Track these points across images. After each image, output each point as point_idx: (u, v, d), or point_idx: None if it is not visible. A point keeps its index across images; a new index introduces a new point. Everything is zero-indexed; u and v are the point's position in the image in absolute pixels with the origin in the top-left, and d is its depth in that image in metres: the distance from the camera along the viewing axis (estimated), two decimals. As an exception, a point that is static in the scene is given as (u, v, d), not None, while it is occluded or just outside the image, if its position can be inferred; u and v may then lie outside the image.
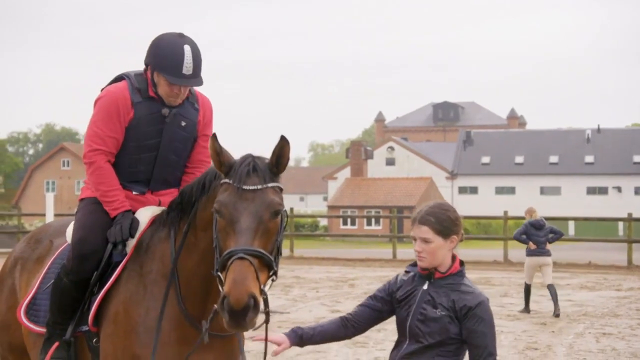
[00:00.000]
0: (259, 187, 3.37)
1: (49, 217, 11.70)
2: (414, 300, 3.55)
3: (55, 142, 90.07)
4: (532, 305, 13.52)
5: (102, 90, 4.12)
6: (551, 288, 12.98)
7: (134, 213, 3.96)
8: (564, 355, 9.37)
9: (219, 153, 3.43)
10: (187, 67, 3.85)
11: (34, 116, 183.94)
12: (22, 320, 4.12)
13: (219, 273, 3.28)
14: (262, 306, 3.23)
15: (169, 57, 3.84)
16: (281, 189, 3.50)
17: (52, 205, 11.72)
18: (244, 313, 3.13)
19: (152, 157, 4.00)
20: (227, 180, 3.41)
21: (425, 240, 3.54)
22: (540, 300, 14.47)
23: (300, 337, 3.61)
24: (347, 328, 3.65)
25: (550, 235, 13.59)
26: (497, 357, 3.52)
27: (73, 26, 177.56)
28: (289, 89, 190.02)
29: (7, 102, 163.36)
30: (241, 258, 3.20)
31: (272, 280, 3.38)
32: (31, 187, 71.07)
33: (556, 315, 12.55)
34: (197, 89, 4.11)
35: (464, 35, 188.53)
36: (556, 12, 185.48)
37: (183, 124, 4.01)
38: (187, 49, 3.86)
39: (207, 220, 3.53)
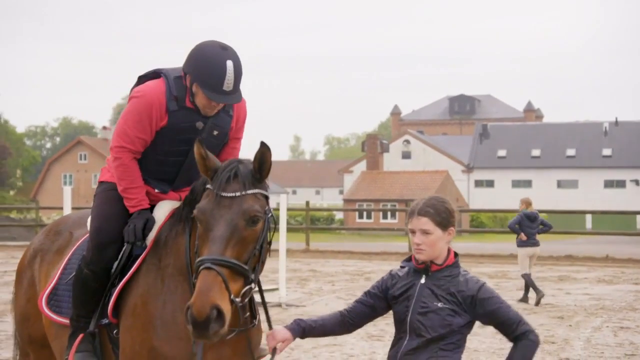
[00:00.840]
0: (238, 194, 3.33)
1: (67, 211, 11.75)
2: (413, 294, 3.54)
3: (72, 136, 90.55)
4: (549, 299, 13.49)
5: (138, 82, 4.04)
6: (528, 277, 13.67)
7: (152, 208, 3.97)
8: (582, 349, 9.32)
9: (204, 158, 3.42)
10: (228, 84, 3.75)
11: (51, 110, 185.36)
12: (44, 310, 4.13)
13: (195, 280, 3.25)
14: (228, 317, 3.17)
15: (211, 72, 3.73)
16: (265, 196, 3.46)
17: (70, 199, 11.76)
18: (206, 324, 3.10)
19: (180, 161, 3.99)
20: (209, 186, 3.40)
21: (426, 232, 3.53)
22: (557, 294, 14.42)
23: (303, 330, 3.61)
24: (345, 324, 3.66)
25: (540, 227, 14.08)
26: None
27: (91, 20, 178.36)
28: (305, 83, 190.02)
29: (25, 96, 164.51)
30: (208, 268, 3.17)
31: (251, 289, 3.35)
32: (49, 180, 71.51)
33: (540, 297, 12.99)
34: None
35: (480, 28, 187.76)
36: (574, 4, 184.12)
37: (215, 132, 3.95)
38: (229, 65, 3.74)
39: None
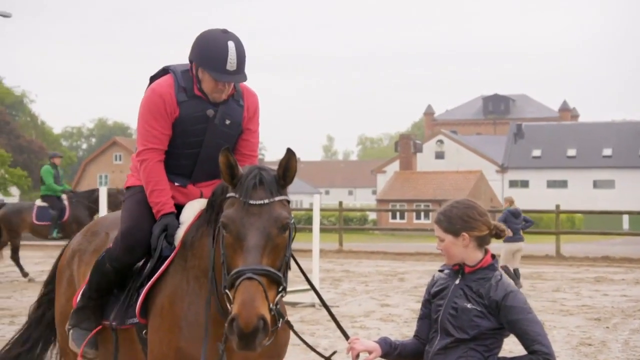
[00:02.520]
0: (266, 201, 3.30)
1: (102, 211, 11.88)
2: (447, 294, 3.59)
3: (107, 137, 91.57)
4: (585, 301, 13.31)
5: (150, 82, 4.13)
6: (517, 272, 14.85)
7: (178, 211, 3.98)
8: (619, 352, 9.18)
9: (233, 166, 3.38)
10: (232, 63, 3.84)
11: (87, 111, 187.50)
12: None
13: (227, 291, 3.24)
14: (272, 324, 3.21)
15: (213, 53, 3.83)
16: (289, 202, 3.45)
17: (105, 199, 11.88)
18: (254, 335, 3.07)
19: (195, 153, 4.02)
20: (233, 194, 3.36)
21: (439, 239, 3.63)
22: (594, 296, 14.23)
23: (390, 346, 3.64)
24: (421, 345, 3.68)
25: (523, 223, 15.15)
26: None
27: (125, 20, 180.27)
28: (338, 83, 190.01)
29: (62, 98, 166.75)
30: (250, 278, 3.14)
31: (282, 296, 3.34)
32: (84, 181, 72.39)
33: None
34: (243, 83, 4.08)
35: (514, 26, 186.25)
36: (605, 3, 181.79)
37: (227, 122, 4.01)
38: (230, 45, 3.84)
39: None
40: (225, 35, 3.88)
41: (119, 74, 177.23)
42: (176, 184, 4.07)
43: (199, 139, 3.98)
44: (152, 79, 4.14)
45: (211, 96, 3.95)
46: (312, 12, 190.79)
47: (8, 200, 57.19)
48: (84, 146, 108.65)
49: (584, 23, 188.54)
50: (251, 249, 3.20)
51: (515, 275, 14.59)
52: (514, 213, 14.95)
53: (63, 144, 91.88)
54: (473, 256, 3.59)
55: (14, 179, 50.82)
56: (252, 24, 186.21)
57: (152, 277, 3.84)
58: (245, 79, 3.93)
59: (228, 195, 3.40)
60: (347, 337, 3.69)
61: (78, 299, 4.19)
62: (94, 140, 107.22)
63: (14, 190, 56.47)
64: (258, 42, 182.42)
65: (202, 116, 3.95)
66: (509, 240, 14.39)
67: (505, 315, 3.46)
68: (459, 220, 3.58)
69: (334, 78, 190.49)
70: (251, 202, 3.29)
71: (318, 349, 3.59)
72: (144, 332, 3.83)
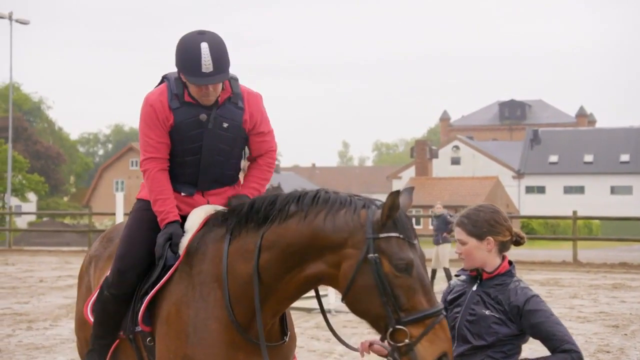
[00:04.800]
0: (416, 241, 3.43)
1: (119, 217, 11.94)
2: (464, 301, 3.58)
3: (124, 143, 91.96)
4: (603, 307, 13.21)
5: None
6: (447, 271, 15.97)
7: (183, 220, 3.95)
8: (638, 359, 9.10)
9: (395, 209, 3.35)
10: (206, 64, 3.71)
11: (103, 117, 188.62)
12: (88, 317, 4.21)
13: (401, 327, 3.27)
14: None
15: (188, 56, 3.73)
16: None
17: (122, 205, 11.95)
18: None
19: (197, 159, 3.97)
20: (396, 235, 3.35)
21: (461, 242, 3.60)
22: (612, 302, 14.12)
23: None
24: None
25: (450, 225, 15.94)
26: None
27: (142, 27, 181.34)
28: (353, 88, 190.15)
29: (79, 104, 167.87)
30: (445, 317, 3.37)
31: None
32: (101, 186, 72.75)
33: None
34: (243, 85, 4.02)
35: (531, 31, 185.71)
36: (625, 7, 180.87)
37: (225, 125, 3.92)
38: (204, 46, 3.72)
39: (295, 252, 3.49)
40: (199, 36, 3.77)
41: (136, 80, 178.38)
42: (182, 194, 4.03)
43: (198, 145, 3.92)
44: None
45: (200, 101, 3.88)
46: (327, 18, 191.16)
47: (25, 206, 57.65)
48: (101, 152, 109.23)
49: (601, 28, 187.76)
50: (429, 290, 3.33)
51: (447, 275, 15.72)
52: (437, 217, 16.43)
53: (80, 150, 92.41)
54: (493, 262, 3.58)
55: (31, 185, 51.17)
56: (268, 30, 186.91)
57: (155, 285, 3.82)
58: (225, 78, 3.81)
59: (390, 234, 3.35)
60: (344, 343, 3.69)
61: (90, 341, 4.17)
62: (110, 146, 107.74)
63: (31, 196, 56.86)
64: (274, 48, 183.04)
65: (196, 121, 3.90)
66: (436, 242, 16.27)
67: (528, 320, 3.45)
68: (485, 224, 3.58)
69: (350, 84, 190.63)
70: (414, 242, 3.39)
71: (333, 356, 3.58)
72: (147, 339, 3.82)
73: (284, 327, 3.79)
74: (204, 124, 3.89)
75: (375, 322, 3.35)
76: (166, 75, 4.04)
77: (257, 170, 4.12)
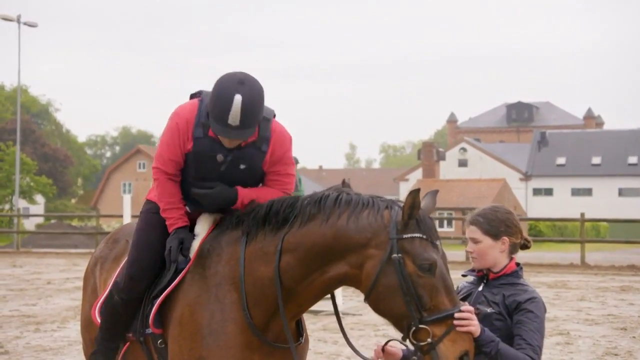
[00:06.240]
0: (439, 242, 3.45)
1: (126, 219, 11.97)
2: (470, 301, 3.60)
3: (131, 145, 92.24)
4: (611, 310, 13.17)
5: (189, 98, 4.03)
6: None
7: (192, 224, 3.95)
8: (646, 362, 9.08)
9: (416, 208, 3.38)
10: (234, 118, 3.57)
11: (111, 119, 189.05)
12: (95, 319, 4.21)
13: (424, 326, 3.31)
14: None
15: (218, 103, 3.59)
16: None
17: (129, 207, 11.97)
18: None
19: (208, 186, 3.89)
20: (420, 235, 3.38)
21: (475, 240, 3.61)
22: (620, 305, 14.08)
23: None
24: None
25: None
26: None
27: (150, 30, 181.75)
28: (360, 90, 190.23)
29: (86, 106, 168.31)
30: None
31: None
32: (108, 188, 72.97)
33: None
34: (276, 124, 3.87)
35: (537, 33, 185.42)
36: (633, 8, 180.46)
37: (242, 167, 3.83)
38: (237, 99, 3.56)
39: (318, 252, 3.50)
40: (237, 86, 3.59)
41: (143, 82, 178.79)
42: (188, 209, 4.01)
43: (211, 177, 3.86)
44: (191, 97, 4.04)
45: (222, 141, 3.77)
46: (333, 20, 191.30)
47: (33, 208, 57.84)
48: (108, 154, 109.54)
49: (609, 30, 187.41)
50: (452, 290, 3.37)
51: None
52: None
53: (87, 152, 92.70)
54: (502, 262, 3.63)
55: (39, 187, 51.35)
56: (276, 33, 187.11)
57: (167, 289, 3.82)
58: (248, 136, 3.66)
59: (413, 235, 3.38)
60: (357, 352, 3.71)
61: (95, 342, 4.18)
62: (117, 148, 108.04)
63: (39, 198, 57.05)
64: (283, 50, 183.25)
65: (212, 158, 3.82)
66: None
67: (518, 315, 3.49)
68: (502, 223, 3.61)
69: (356, 85, 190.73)
70: (437, 243, 3.41)
71: (340, 358, 3.59)
72: (159, 342, 3.83)
73: (299, 329, 3.82)
74: (218, 164, 3.82)
75: (398, 322, 3.38)
76: (202, 92, 3.93)
77: (268, 187, 3.99)
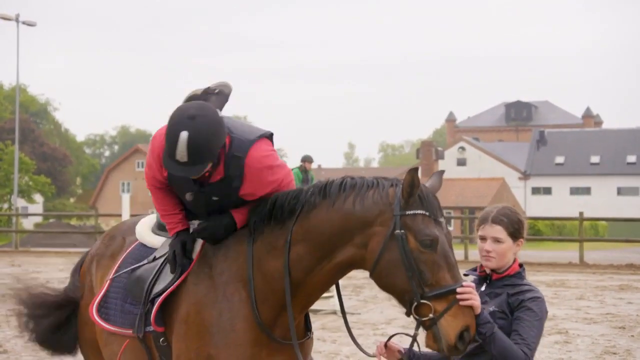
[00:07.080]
0: (442, 220, 3.47)
1: (125, 218, 11.97)
2: None
3: (130, 144, 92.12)
4: (610, 309, 13.18)
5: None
6: None
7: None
8: (644, 361, 9.09)
9: (416, 187, 3.42)
10: (181, 154, 3.49)
11: (110, 119, 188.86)
12: (94, 318, 4.19)
13: (425, 301, 3.34)
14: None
15: (167, 138, 3.53)
16: None
17: (128, 206, 11.99)
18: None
19: (191, 206, 3.92)
20: (422, 212, 3.42)
21: (498, 240, 3.59)
22: (619, 304, 14.09)
23: (413, 355, 3.68)
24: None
25: None
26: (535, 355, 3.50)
27: (149, 30, 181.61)
28: (359, 89, 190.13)
29: (85, 105, 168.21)
30: None
31: None
32: (107, 188, 72.89)
33: None
34: (255, 155, 3.67)
35: (537, 33, 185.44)
36: (632, 8, 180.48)
37: (215, 198, 3.78)
38: (182, 135, 3.46)
39: (326, 235, 3.52)
40: (186, 121, 3.49)
41: (142, 82, 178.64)
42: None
43: (191, 205, 3.87)
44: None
45: None
46: (332, 20, 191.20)
47: (31, 207, 57.80)
48: (107, 153, 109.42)
49: (607, 28, 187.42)
50: (454, 266, 3.40)
51: None
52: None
53: (86, 151, 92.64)
54: (510, 263, 3.64)
55: (38, 186, 51.32)
56: (276, 33, 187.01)
57: (169, 288, 3.80)
58: (200, 172, 3.54)
59: (414, 212, 3.41)
60: (360, 348, 3.71)
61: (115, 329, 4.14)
62: (116, 147, 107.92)
63: (38, 198, 57.00)
64: (283, 50, 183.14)
65: (187, 187, 3.78)
66: None
67: (519, 312, 3.50)
68: (521, 225, 3.63)
69: (355, 85, 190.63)
70: (440, 220, 3.45)
71: (339, 357, 3.60)
72: (160, 340, 3.82)
73: (307, 324, 3.85)
74: (191, 198, 3.80)
75: (401, 297, 3.43)
76: (208, 87, 3.94)
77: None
